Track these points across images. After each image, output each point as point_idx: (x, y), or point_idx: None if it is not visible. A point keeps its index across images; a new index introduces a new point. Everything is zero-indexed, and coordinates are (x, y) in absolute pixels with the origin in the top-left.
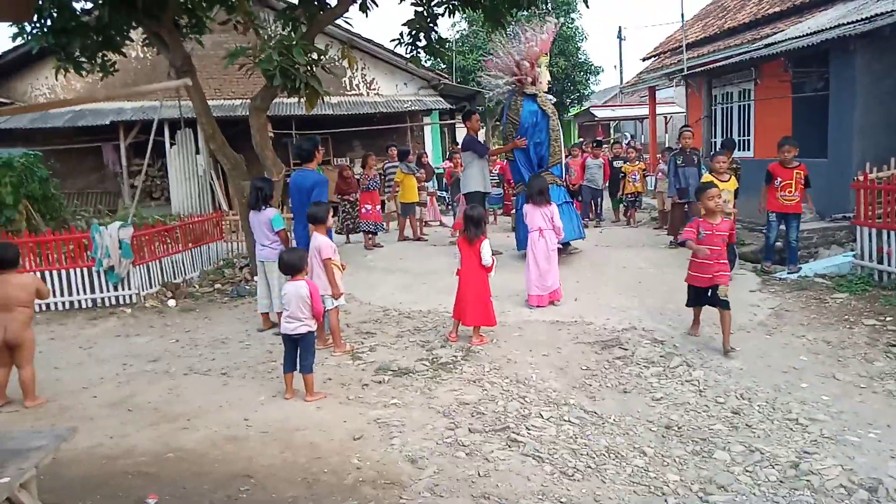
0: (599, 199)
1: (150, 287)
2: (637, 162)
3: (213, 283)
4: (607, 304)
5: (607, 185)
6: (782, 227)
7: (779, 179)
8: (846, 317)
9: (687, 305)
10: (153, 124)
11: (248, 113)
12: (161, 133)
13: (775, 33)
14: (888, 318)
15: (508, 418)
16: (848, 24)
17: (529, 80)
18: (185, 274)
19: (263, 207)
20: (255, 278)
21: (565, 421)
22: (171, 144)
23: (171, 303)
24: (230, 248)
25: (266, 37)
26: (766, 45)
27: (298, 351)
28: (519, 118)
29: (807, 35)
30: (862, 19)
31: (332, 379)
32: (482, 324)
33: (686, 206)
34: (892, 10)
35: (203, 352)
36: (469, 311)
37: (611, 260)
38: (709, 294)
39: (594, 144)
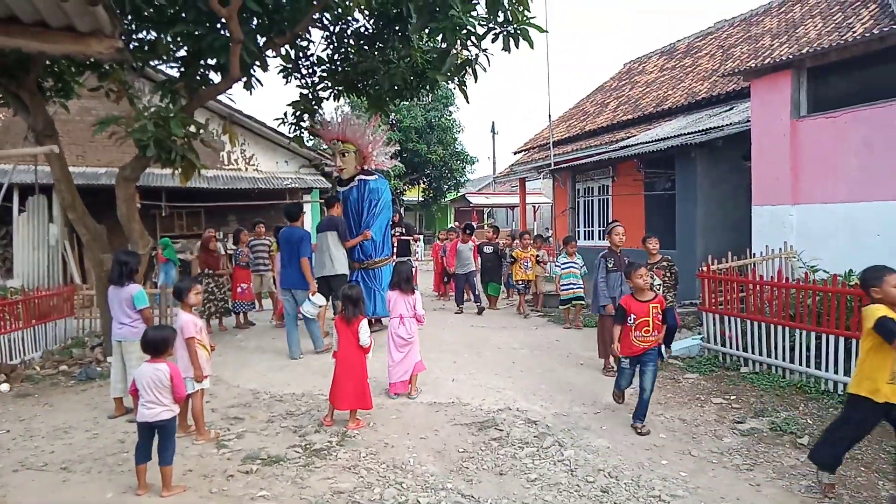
0: (473, 281)
1: None
2: (529, 249)
3: (58, 364)
4: (484, 385)
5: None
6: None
7: (632, 316)
8: (697, 396)
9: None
10: (1, 189)
11: (113, 182)
12: (9, 199)
13: (628, 137)
14: (732, 397)
15: None
16: (688, 133)
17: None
18: (25, 354)
19: (126, 283)
20: (109, 359)
21: None
22: (21, 211)
23: (4, 387)
24: (82, 325)
25: (141, 107)
26: (622, 147)
27: (157, 440)
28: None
29: (655, 141)
30: (698, 131)
31: (194, 470)
32: (358, 407)
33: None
34: (722, 126)
35: (40, 443)
36: (346, 394)
37: (487, 341)
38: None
39: (465, 230)
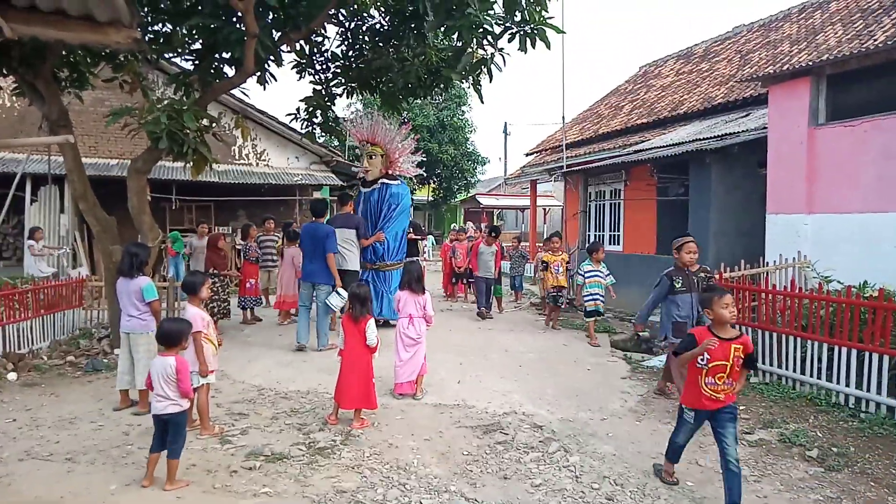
0: (493, 288)
1: None
2: (560, 252)
3: (66, 354)
4: (490, 388)
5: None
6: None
7: (705, 357)
8: None
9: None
10: (14, 178)
11: (124, 173)
12: (22, 188)
13: (642, 142)
14: (741, 407)
15: None
16: (703, 139)
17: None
18: (33, 344)
19: (136, 275)
20: (116, 351)
21: None
22: (33, 201)
23: (12, 376)
24: (90, 316)
25: (154, 98)
26: (635, 152)
27: (168, 433)
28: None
29: (669, 146)
30: (713, 137)
31: (197, 465)
32: (363, 406)
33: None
34: (738, 132)
35: (46, 433)
36: (351, 393)
37: (494, 344)
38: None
39: (490, 232)
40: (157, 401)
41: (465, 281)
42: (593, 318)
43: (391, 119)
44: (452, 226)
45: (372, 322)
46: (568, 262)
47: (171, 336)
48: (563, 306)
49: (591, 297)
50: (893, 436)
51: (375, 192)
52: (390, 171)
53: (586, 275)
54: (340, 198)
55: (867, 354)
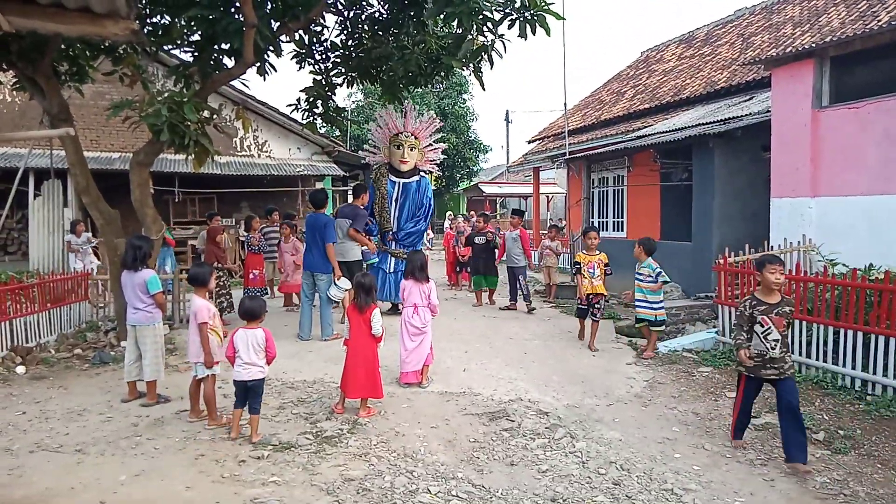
0: (521, 278)
1: None
2: (596, 253)
3: (73, 347)
4: (495, 375)
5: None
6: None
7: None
8: (711, 389)
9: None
10: (17, 173)
11: (127, 167)
12: (25, 183)
13: (645, 127)
14: None
15: (395, 494)
16: (706, 123)
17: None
18: (40, 337)
19: (140, 268)
20: (123, 343)
21: (453, 496)
22: (36, 195)
23: (20, 369)
24: (96, 309)
25: (155, 91)
26: (638, 138)
27: (249, 395)
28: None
29: (672, 131)
30: (717, 121)
31: (206, 455)
32: (369, 396)
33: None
34: (741, 116)
35: (55, 425)
36: (357, 382)
37: (499, 331)
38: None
39: (514, 213)
40: (244, 368)
41: (468, 269)
42: (644, 325)
43: (419, 110)
44: (448, 213)
45: (377, 311)
46: (552, 249)
47: (254, 311)
48: (599, 319)
49: (645, 305)
50: None
51: (414, 183)
52: (418, 164)
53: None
54: (355, 189)
55: (873, 337)
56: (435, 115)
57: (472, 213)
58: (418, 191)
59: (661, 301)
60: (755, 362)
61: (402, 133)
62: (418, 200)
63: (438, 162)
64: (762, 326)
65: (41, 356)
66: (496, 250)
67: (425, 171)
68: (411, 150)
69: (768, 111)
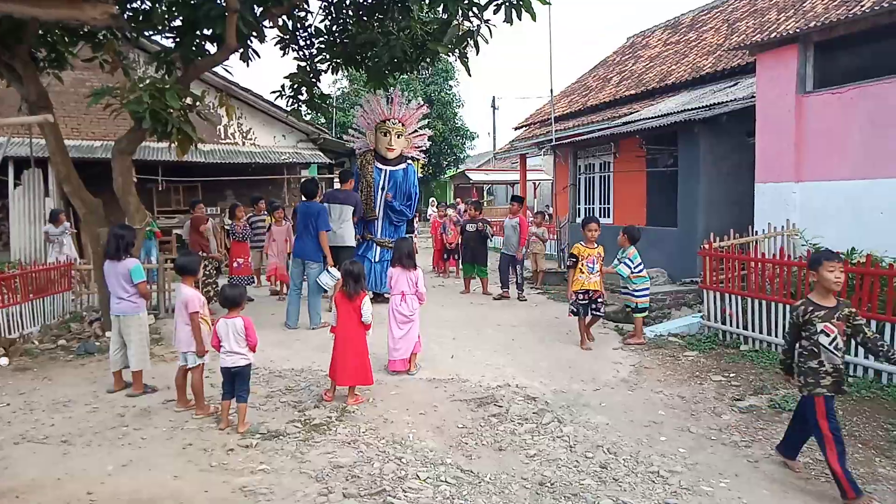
0: (518, 267)
1: None
2: (596, 245)
3: (57, 338)
4: (483, 362)
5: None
6: None
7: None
8: (697, 373)
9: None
10: None
11: (109, 155)
12: (4, 172)
13: (631, 113)
14: (732, 375)
15: (385, 481)
16: (691, 109)
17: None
18: (24, 328)
19: (123, 257)
20: (108, 334)
21: (442, 481)
22: (16, 185)
23: (4, 361)
24: (79, 299)
25: (136, 78)
26: (624, 124)
27: (236, 382)
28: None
29: (658, 116)
30: (702, 107)
31: (194, 444)
32: (358, 383)
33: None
34: (726, 101)
35: (40, 416)
36: (346, 369)
37: (487, 319)
38: None
39: (513, 200)
40: (228, 356)
41: (455, 256)
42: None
43: (406, 96)
44: (431, 199)
45: (367, 299)
46: (539, 235)
47: (234, 299)
48: (602, 315)
49: (643, 293)
50: (880, 399)
51: (401, 171)
52: (404, 151)
53: (635, 268)
54: (342, 175)
55: None
56: (422, 102)
57: (459, 200)
58: (405, 179)
59: (645, 288)
60: (833, 378)
61: (389, 120)
62: (407, 190)
63: (425, 148)
64: (827, 336)
65: (25, 347)
66: (487, 240)
67: (411, 158)
68: (398, 137)
69: (753, 97)
